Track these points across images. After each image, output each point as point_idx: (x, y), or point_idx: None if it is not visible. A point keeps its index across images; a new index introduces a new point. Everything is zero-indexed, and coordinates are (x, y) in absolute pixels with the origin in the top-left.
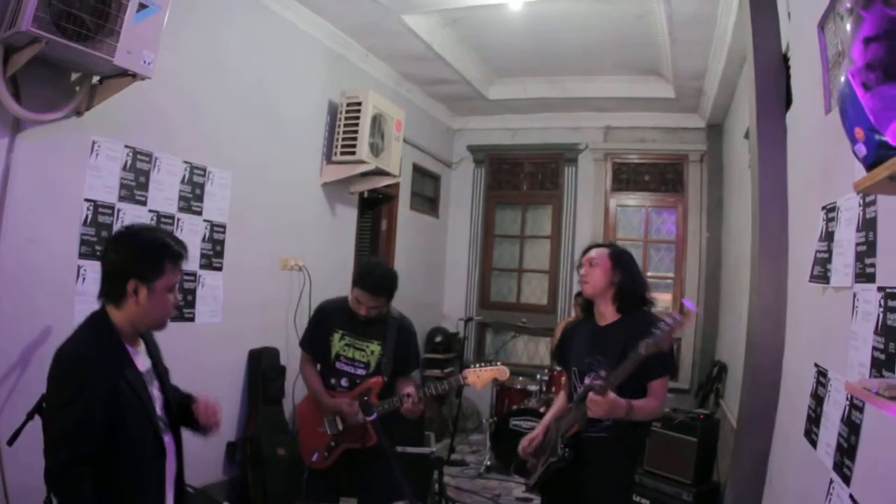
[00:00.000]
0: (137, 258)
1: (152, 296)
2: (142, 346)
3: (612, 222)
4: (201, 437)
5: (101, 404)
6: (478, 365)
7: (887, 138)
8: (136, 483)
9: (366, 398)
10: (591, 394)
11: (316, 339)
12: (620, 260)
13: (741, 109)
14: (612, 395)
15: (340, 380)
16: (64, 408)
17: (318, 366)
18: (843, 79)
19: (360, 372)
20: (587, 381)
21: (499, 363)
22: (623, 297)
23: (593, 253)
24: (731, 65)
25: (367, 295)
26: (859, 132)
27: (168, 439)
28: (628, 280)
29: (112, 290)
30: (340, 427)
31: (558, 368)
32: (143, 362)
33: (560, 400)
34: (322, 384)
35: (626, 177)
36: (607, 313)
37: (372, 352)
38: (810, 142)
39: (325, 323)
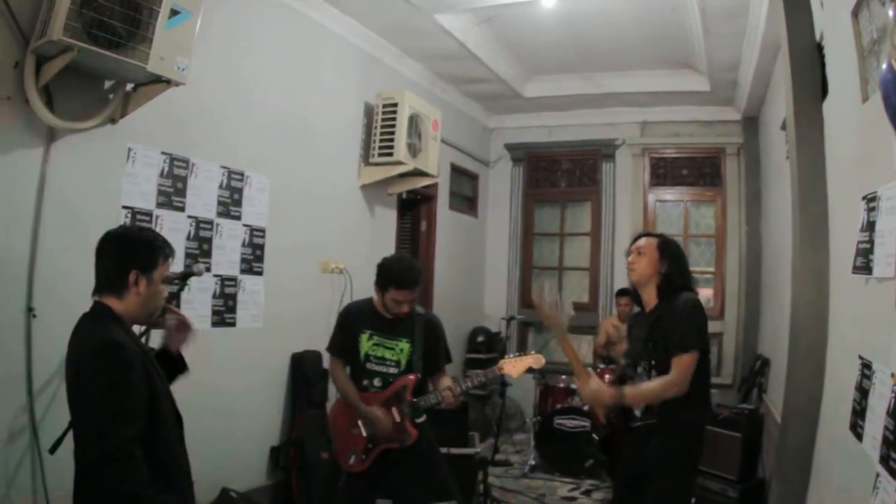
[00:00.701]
0: (137, 251)
1: (150, 286)
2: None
3: (651, 218)
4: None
5: (139, 384)
6: (513, 354)
7: None
8: (172, 457)
9: (410, 398)
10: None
11: (344, 342)
12: (667, 250)
13: (777, 100)
14: (593, 383)
15: (373, 380)
16: (112, 391)
17: (348, 368)
18: (885, 65)
19: (392, 370)
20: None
21: (532, 352)
22: (666, 286)
23: (642, 242)
24: (766, 55)
25: (406, 291)
26: None
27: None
28: (674, 271)
29: (115, 282)
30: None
31: (602, 366)
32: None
33: None
34: (354, 388)
35: (664, 171)
36: (650, 301)
37: (401, 349)
38: (848, 131)
39: (351, 325)
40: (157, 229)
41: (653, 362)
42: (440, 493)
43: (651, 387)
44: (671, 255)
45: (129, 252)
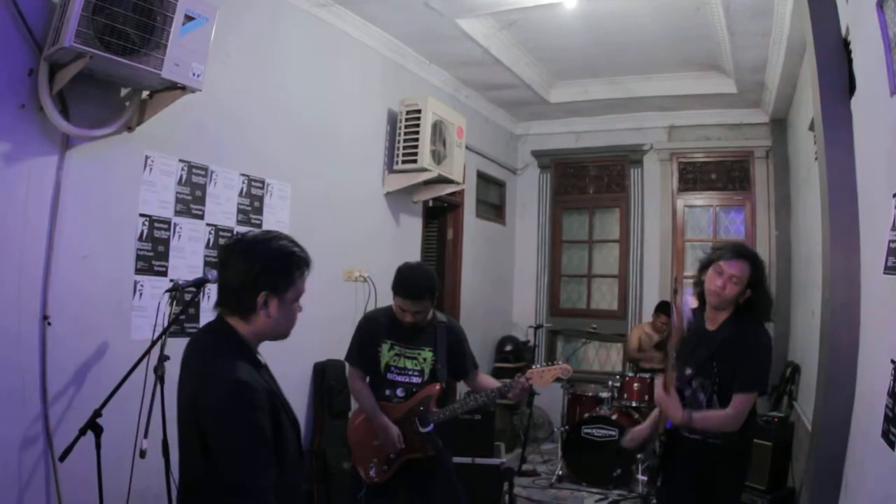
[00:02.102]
0: (267, 269)
1: (282, 307)
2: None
3: (681, 223)
4: None
5: (267, 422)
6: (541, 364)
7: None
8: (290, 498)
9: (422, 408)
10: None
11: (364, 352)
12: (760, 279)
13: (804, 101)
14: (673, 396)
15: (395, 390)
16: (249, 441)
17: (368, 378)
18: None
19: (416, 380)
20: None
21: (559, 362)
22: (744, 311)
23: (737, 269)
24: (792, 55)
25: (409, 301)
26: None
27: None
28: (761, 302)
29: (240, 303)
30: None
31: (630, 374)
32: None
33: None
34: (372, 398)
35: (693, 176)
36: (718, 319)
37: (424, 359)
38: (877, 127)
39: (371, 335)
40: (176, 238)
41: (716, 384)
42: None
43: (715, 420)
44: (759, 282)
45: (258, 269)
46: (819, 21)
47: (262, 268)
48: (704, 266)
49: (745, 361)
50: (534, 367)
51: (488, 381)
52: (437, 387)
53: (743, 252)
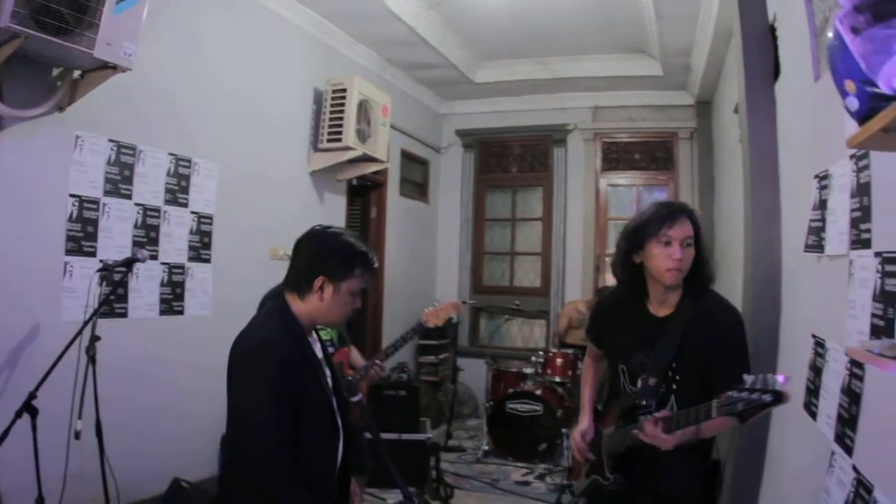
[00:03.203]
0: (332, 257)
1: (336, 295)
2: (314, 336)
3: (604, 202)
4: None
5: (288, 388)
6: (434, 305)
7: (880, 85)
8: (317, 466)
9: (349, 378)
10: (651, 430)
11: None
12: (699, 236)
13: (730, 84)
14: (677, 433)
15: None
16: (261, 396)
17: None
18: (830, 33)
19: (331, 350)
20: (641, 418)
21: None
22: (694, 278)
23: (684, 229)
24: (719, 39)
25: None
26: (850, 85)
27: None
28: (704, 257)
29: (300, 283)
30: None
31: (553, 350)
32: (317, 350)
33: (590, 374)
34: None
35: (616, 156)
36: (669, 300)
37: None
38: (800, 111)
39: None
40: (105, 218)
41: (674, 386)
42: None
43: (714, 427)
44: (700, 237)
45: (324, 256)
46: (747, 7)
47: (327, 255)
48: (637, 244)
49: (725, 357)
50: (427, 309)
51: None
52: (346, 350)
53: (678, 207)
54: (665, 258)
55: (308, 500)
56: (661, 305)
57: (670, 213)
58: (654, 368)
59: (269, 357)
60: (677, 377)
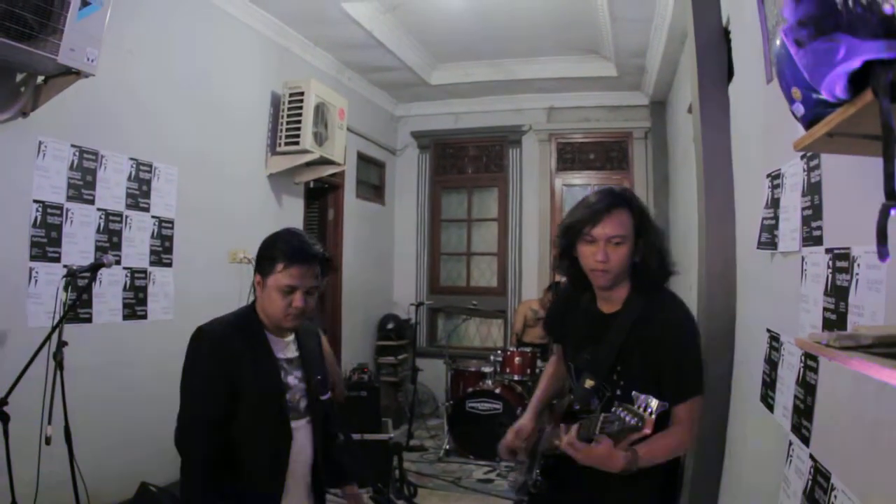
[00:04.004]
0: (260, 254)
1: (265, 291)
2: (289, 338)
3: (559, 202)
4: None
5: (220, 373)
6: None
7: (823, 94)
8: (252, 462)
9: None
10: (565, 439)
11: None
12: (645, 227)
13: (684, 85)
14: (601, 447)
15: None
16: (185, 376)
17: None
18: (778, 41)
19: None
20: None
21: None
22: (642, 276)
23: (613, 225)
24: (673, 41)
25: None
26: (796, 92)
27: (302, 426)
28: (653, 254)
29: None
30: None
31: (511, 349)
32: (283, 350)
33: (548, 373)
34: None
35: (571, 156)
36: (616, 298)
37: None
38: (753, 112)
39: None
40: (68, 223)
41: (618, 392)
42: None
43: (665, 449)
44: (648, 231)
45: (258, 254)
46: (700, 10)
47: (259, 253)
48: (570, 243)
49: (677, 360)
50: None
51: None
52: None
53: (612, 198)
54: (589, 257)
55: None
56: (606, 302)
57: (593, 212)
58: (593, 369)
59: (201, 340)
60: (621, 382)
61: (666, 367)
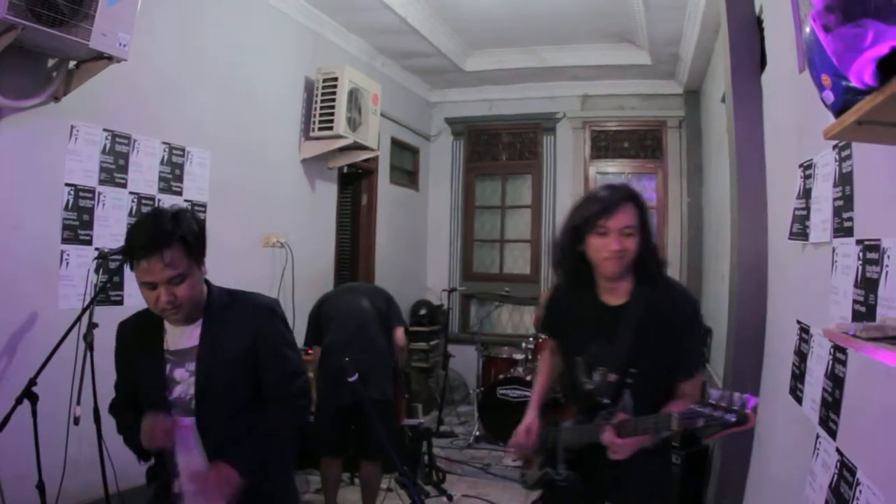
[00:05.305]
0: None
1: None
2: (192, 325)
3: None
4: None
5: (120, 356)
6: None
7: (852, 81)
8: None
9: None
10: (608, 438)
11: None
12: (646, 221)
13: (718, 74)
14: (632, 440)
15: None
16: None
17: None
18: (808, 28)
19: None
20: (601, 413)
21: None
22: (643, 265)
23: (625, 217)
24: (706, 30)
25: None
26: (826, 79)
27: (184, 423)
28: (649, 242)
29: None
30: None
31: (543, 336)
32: (178, 341)
33: (544, 368)
34: None
35: (605, 144)
36: (621, 289)
37: None
38: (785, 101)
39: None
40: (100, 207)
41: (628, 380)
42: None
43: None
44: (647, 221)
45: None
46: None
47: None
48: (576, 237)
49: (682, 340)
50: None
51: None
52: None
53: (622, 193)
54: (602, 248)
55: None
56: (611, 294)
57: (604, 207)
58: (613, 362)
59: (117, 328)
60: (632, 370)
61: (676, 348)
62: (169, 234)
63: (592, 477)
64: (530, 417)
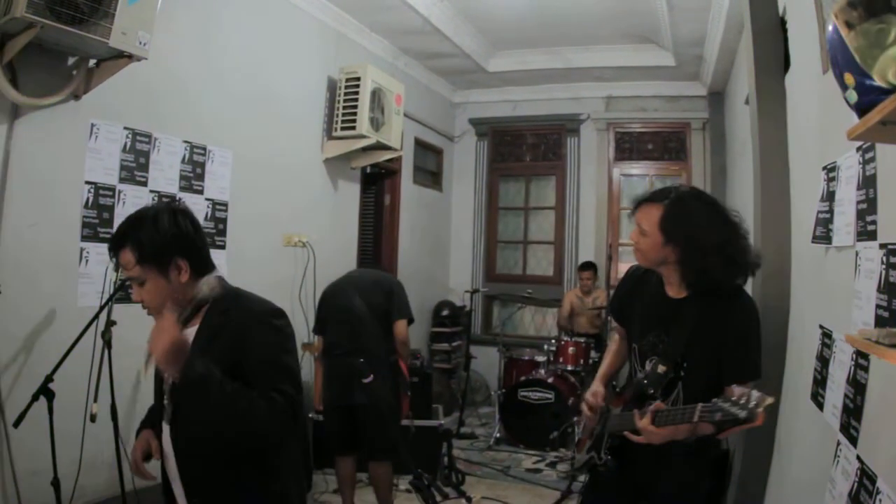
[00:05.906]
0: None
1: None
2: (190, 329)
3: (616, 191)
4: None
5: None
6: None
7: (875, 78)
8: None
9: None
10: (643, 423)
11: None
12: (675, 230)
13: (742, 75)
14: (666, 429)
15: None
16: None
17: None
18: (830, 26)
19: None
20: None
21: None
22: (689, 276)
23: (641, 215)
24: (730, 31)
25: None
26: (849, 77)
27: (165, 428)
28: (692, 255)
29: None
30: None
31: (566, 339)
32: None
33: (613, 349)
34: None
35: (629, 146)
36: (673, 284)
37: None
38: (809, 103)
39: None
40: (120, 205)
41: (682, 373)
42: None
43: (706, 428)
44: (681, 234)
45: None
46: (757, 0)
47: None
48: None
49: (740, 348)
50: None
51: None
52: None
53: (653, 194)
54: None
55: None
56: (672, 287)
57: (636, 203)
58: (665, 354)
59: None
60: (685, 364)
61: (729, 348)
62: (121, 236)
63: (631, 468)
64: (597, 386)
